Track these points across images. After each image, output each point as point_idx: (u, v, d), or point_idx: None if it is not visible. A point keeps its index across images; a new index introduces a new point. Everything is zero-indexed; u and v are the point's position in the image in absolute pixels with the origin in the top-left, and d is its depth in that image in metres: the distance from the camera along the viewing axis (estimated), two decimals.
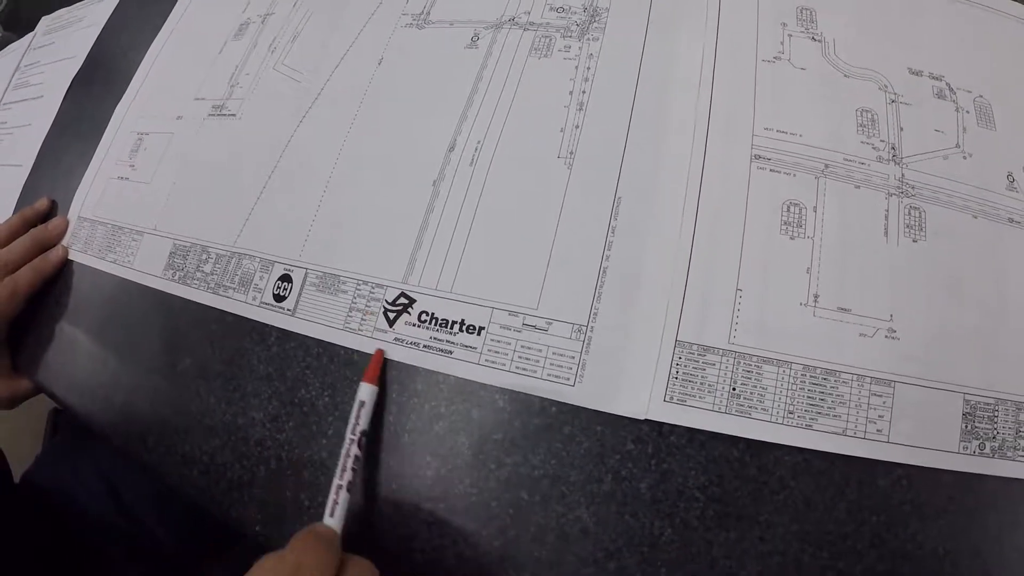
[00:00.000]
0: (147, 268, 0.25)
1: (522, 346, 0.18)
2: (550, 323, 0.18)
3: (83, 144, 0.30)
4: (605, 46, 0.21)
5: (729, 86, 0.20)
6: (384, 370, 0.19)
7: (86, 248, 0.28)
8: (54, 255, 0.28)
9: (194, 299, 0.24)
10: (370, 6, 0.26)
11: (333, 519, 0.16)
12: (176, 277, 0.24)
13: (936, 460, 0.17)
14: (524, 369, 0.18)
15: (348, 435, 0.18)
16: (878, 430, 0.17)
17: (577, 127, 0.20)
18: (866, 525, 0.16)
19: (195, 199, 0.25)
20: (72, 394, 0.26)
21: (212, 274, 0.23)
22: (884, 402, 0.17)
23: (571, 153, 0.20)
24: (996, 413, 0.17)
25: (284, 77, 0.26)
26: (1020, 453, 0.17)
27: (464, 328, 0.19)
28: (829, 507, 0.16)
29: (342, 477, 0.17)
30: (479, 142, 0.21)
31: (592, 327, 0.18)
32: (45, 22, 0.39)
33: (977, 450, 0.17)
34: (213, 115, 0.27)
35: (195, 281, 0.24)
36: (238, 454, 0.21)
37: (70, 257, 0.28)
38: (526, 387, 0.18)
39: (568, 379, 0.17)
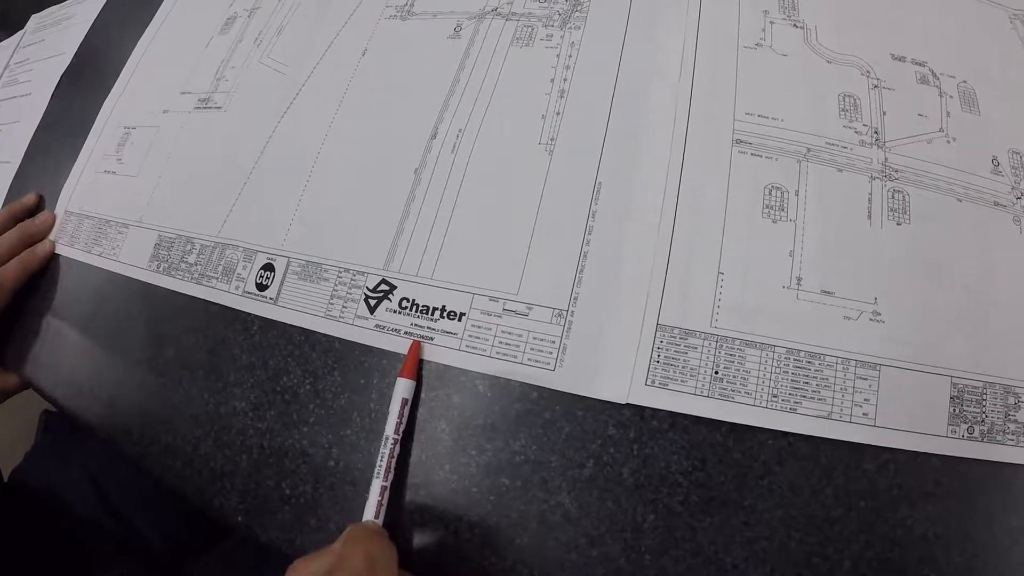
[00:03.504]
0: (132, 260, 0.25)
1: (503, 331, 0.18)
2: (531, 308, 0.18)
3: (71, 139, 0.30)
4: (586, 34, 0.21)
5: (710, 72, 0.20)
6: (421, 363, 0.18)
7: (72, 242, 0.28)
8: (41, 249, 0.28)
9: (178, 290, 0.24)
10: None
11: (378, 521, 0.16)
12: (161, 268, 0.24)
13: (924, 444, 0.16)
14: (505, 354, 0.18)
15: (392, 435, 0.17)
16: (864, 414, 0.17)
17: (558, 114, 0.20)
18: (854, 510, 0.16)
19: (180, 191, 0.25)
20: (58, 388, 0.26)
21: (196, 265, 0.23)
22: (870, 385, 0.17)
23: (552, 140, 0.20)
24: (984, 396, 0.17)
25: (269, 70, 0.26)
26: (1010, 437, 0.17)
27: (445, 314, 0.19)
28: (815, 492, 0.16)
29: (386, 478, 0.16)
30: (460, 130, 0.21)
31: (573, 312, 0.18)
32: (35, 20, 0.39)
33: (966, 434, 0.17)
34: (199, 108, 0.27)
35: (179, 272, 0.24)
36: (220, 444, 0.21)
37: (57, 251, 0.28)
38: (507, 372, 0.18)
39: (549, 364, 0.17)
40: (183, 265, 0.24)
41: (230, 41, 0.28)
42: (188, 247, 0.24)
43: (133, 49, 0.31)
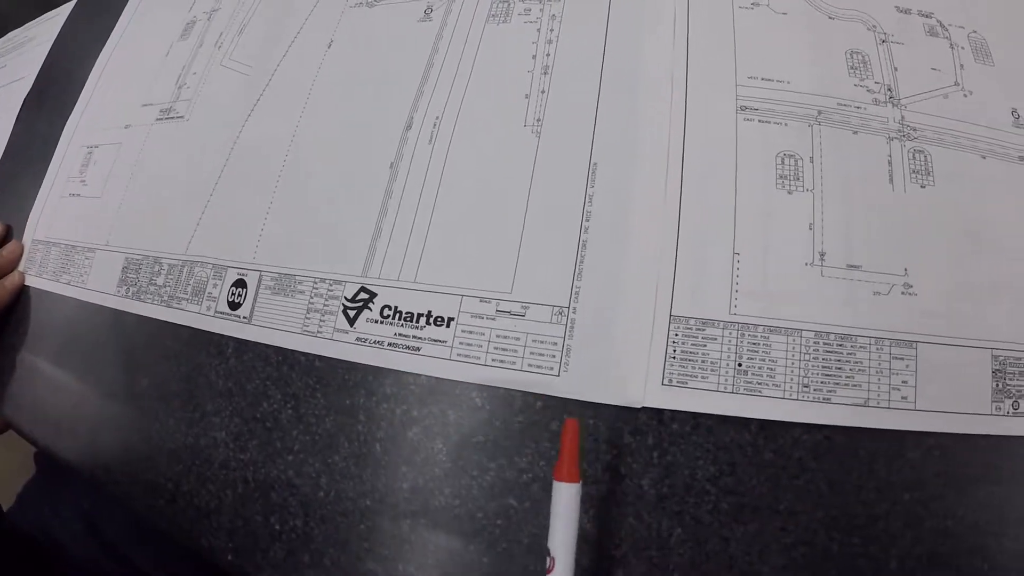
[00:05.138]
0: (100, 287, 0.22)
1: (497, 335, 0.15)
2: (527, 307, 0.15)
3: (36, 165, 0.27)
4: (568, 5, 0.19)
5: (706, 36, 0.17)
6: (582, 451, 0.12)
7: (41, 271, 0.25)
8: (10, 282, 0.25)
9: (148, 315, 0.21)
10: None
11: None
12: (129, 293, 0.21)
13: (968, 424, 0.14)
14: (501, 361, 0.15)
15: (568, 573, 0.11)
16: (903, 397, 0.14)
17: (543, 92, 0.17)
18: (899, 504, 0.14)
19: (145, 209, 0.23)
20: (36, 427, 0.23)
21: (165, 286, 0.20)
22: (907, 365, 0.14)
23: (538, 120, 0.17)
24: None
25: (232, 72, 0.23)
26: None
27: (431, 320, 0.16)
28: (856, 488, 0.14)
29: None
30: (437, 118, 0.18)
31: (575, 308, 0.15)
32: None
33: (1011, 410, 0.14)
34: (161, 119, 0.24)
35: (148, 296, 0.21)
36: (203, 479, 0.18)
37: (26, 283, 0.25)
38: (505, 381, 0.15)
39: (552, 368, 0.14)
40: (151, 288, 0.21)
41: (190, 46, 0.25)
42: (156, 268, 0.21)
43: (93, 65, 0.28)
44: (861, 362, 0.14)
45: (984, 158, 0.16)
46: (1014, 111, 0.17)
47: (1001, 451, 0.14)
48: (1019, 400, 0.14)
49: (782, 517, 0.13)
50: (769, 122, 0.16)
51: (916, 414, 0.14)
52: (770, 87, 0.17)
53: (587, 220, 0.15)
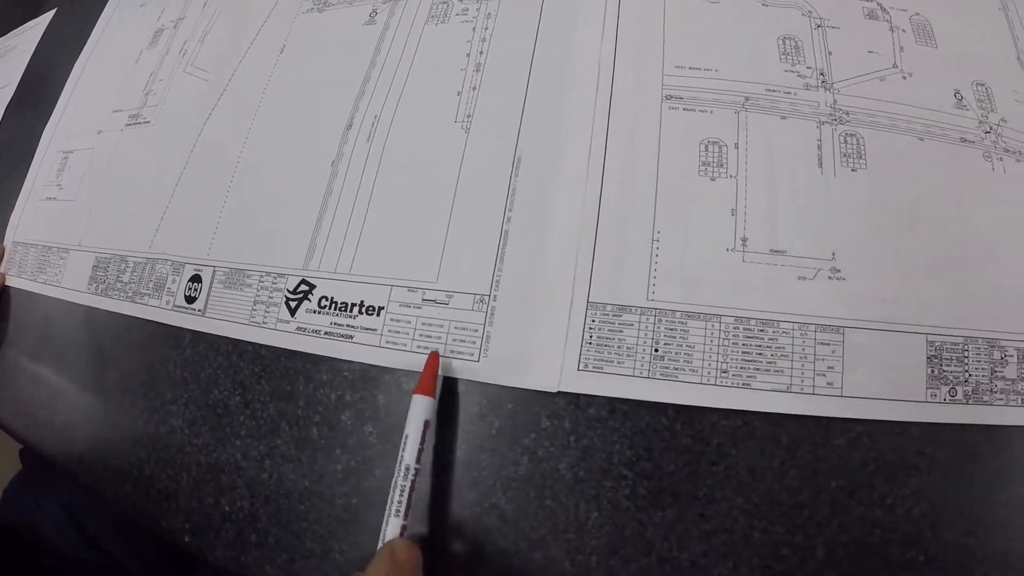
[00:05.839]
0: (73, 285, 0.24)
1: (423, 323, 0.16)
2: (451, 296, 0.16)
3: (17, 170, 0.29)
4: (503, 2, 0.19)
5: (636, 27, 0.18)
6: (438, 376, 0.15)
7: (20, 272, 0.27)
8: None
9: (115, 310, 0.22)
10: None
11: None
12: (99, 290, 0.23)
13: (901, 412, 0.14)
14: (426, 348, 0.16)
15: (412, 464, 0.14)
16: (828, 383, 0.14)
17: (474, 89, 0.18)
18: (824, 492, 0.14)
19: (114, 210, 0.24)
20: (17, 420, 0.25)
21: (130, 283, 0.22)
22: (833, 351, 0.15)
23: (468, 116, 0.18)
24: (966, 353, 0.15)
25: (193, 78, 0.24)
26: (999, 396, 0.14)
27: (364, 310, 0.17)
28: (778, 475, 0.14)
29: (407, 516, 0.13)
30: (376, 117, 0.19)
31: (495, 296, 0.16)
32: None
33: (948, 397, 0.14)
34: (130, 125, 0.25)
35: (115, 292, 0.22)
36: (162, 463, 0.19)
37: (6, 283, 0.27)
38: None
39: (472, 354, 0.15)
40: (118, 285, 0.22)
41: (158, 54, 0.26)
42: (122, 266, 0.23)
43: (70, 73, 0.30)
44: (784, 347, 0.15)
45: (922, 140, 0.17)
46: (957, 92, 0.18)
47: (936, 439, 0.14)
48: (956, 387, 0.14)
49: (701, 503, 0.14)
50: (694, 110, 0.17)
51: (842, 400, 0.14)
52: (697, 76, 0.17)
53: (510, 211, 0.16)
